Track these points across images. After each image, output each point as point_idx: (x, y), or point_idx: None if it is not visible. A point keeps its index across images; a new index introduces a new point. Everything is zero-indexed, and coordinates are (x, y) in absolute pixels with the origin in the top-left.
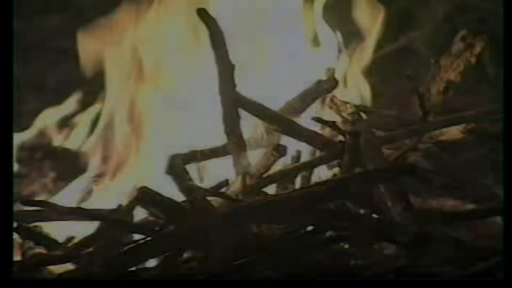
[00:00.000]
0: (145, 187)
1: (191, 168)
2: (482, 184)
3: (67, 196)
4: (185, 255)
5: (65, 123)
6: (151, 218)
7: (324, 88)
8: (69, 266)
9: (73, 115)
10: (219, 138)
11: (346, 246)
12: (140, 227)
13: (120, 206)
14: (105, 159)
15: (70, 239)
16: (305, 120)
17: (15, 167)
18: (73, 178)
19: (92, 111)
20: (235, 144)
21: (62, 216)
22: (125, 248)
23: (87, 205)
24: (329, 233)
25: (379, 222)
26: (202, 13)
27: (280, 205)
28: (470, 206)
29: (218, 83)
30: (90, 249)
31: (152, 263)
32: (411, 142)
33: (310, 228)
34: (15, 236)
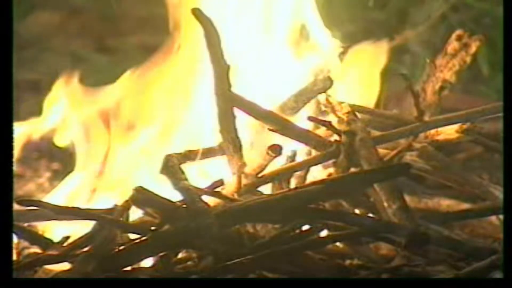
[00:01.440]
0: (141, 187)
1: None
2: (477, 183)
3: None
4: (180, 254)
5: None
6: (146, 218)
7: (319, 87)
8: (64, 266)
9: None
10: (215, 138)
11: (342, 245)
12: (136, 227)
13: (115, 205)
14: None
15: (65, 238)
16: (300, 119)
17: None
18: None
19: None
20: (230, 143)
21: (58, 216)
22: (120, 248)
23: (82, 204)
24: (324, 233)
25: (375, 221)
26: (197, 13)
27: (276, 204)
28: (465, 206)
29: (213, 83)
30: (86, 249)
31: (147, 262)
32: (407, 141)
33: (305, 227)
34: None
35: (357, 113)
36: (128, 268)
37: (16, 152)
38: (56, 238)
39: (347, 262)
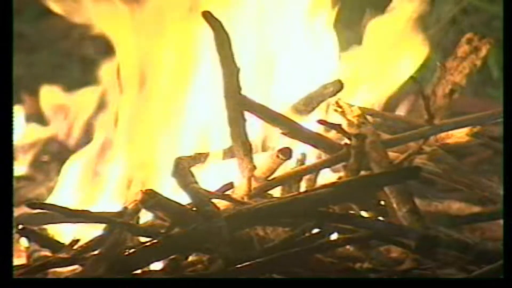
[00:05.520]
0: (151, 190)
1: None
2: (487, 186)
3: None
4: (190, 258)
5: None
6: (156, 221)
7: (329, 91)
8: (74, 269)
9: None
10: (225, 141)
11: (352, 249)
12: (146, 230)
13: (125, 208)
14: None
15: (75, 241)
16: (310, 122)
17: (22, 170)
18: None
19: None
20: (241, 146)
21: (68, 219)
22: (130, 251)
23: (92, 207)
24: (334, 236)
25: (385, 224)
26: (208, 16)
27: (286, 207)
28: (475, 209)
29: (223, 86)
30: (96, 252)
31: (157, 266)
32: (417, 144)
33: (315, 231)
34: (21, 239)
35: (367, 116)
36: (138, 271)
37: (27, 155)
38: (66, 241)
39: (357, 265)
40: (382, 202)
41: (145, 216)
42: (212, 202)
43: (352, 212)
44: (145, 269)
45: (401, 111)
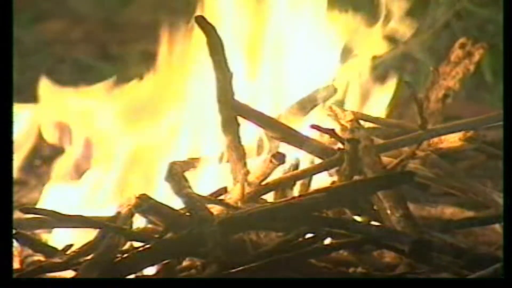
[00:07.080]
0: (144, 194)
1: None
2: (481, 191)
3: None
4: (184, 262)
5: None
6: (150, 226)
7: (323, 95)
8: (68, 273)
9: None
10: (218, 146)
11: (345, 253)
12: (139, 235)
13: (119, 213)
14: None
15: (68, 246)
16: (304, 127)
17: (15, 174)
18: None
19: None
20: (234, 151)
21: (61, 224)
22: (123, 256)
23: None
24: (327, 241)
25: (378, 229)
26: (201, 21)
27: (279, 212)
28: (469, 214)
29: (216, 91)
30: (89, 257)
31: (151, 270)
32: (410, 149)
33: (309, 235)
34: (14, 244)
35: (360, 121)
36: (132, 276)
37: (19, 159)
38: (59, 246)
39: (351, 269)
40: (376, 207)
41: (139, 221)
42: (206, 207)
43: (345, 216)
44: (139, 273)
45: (394, 116)
